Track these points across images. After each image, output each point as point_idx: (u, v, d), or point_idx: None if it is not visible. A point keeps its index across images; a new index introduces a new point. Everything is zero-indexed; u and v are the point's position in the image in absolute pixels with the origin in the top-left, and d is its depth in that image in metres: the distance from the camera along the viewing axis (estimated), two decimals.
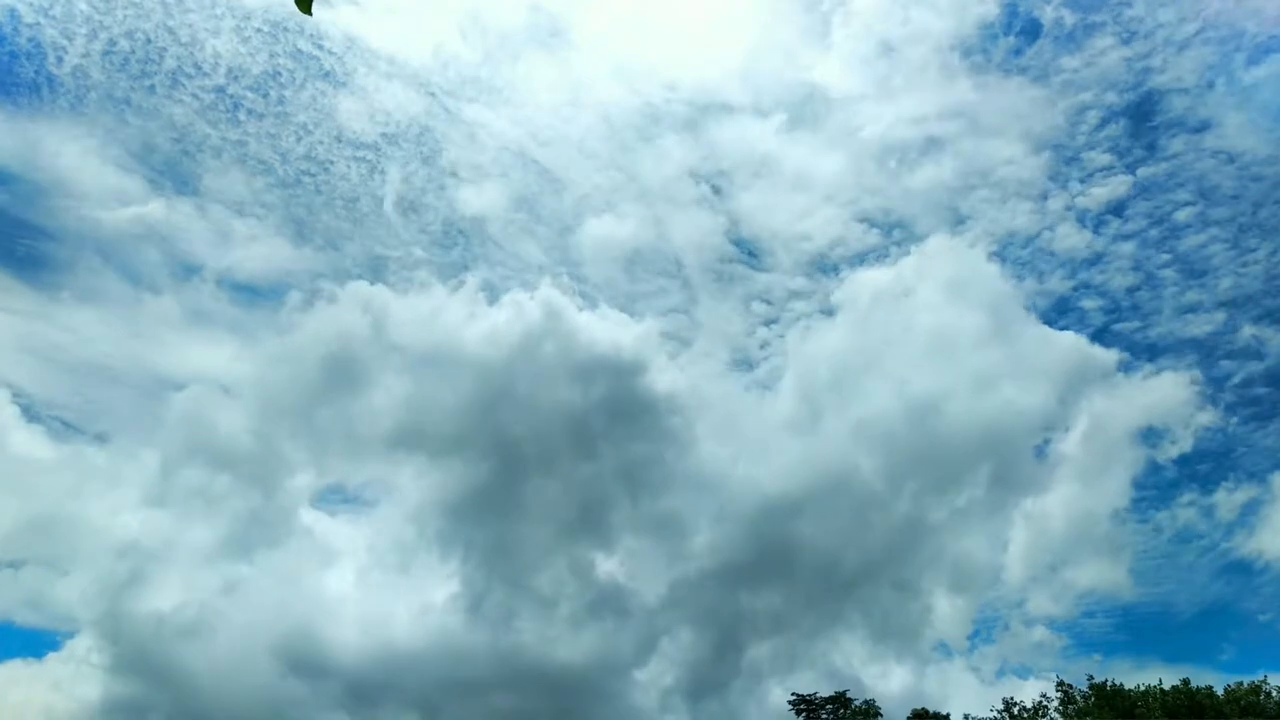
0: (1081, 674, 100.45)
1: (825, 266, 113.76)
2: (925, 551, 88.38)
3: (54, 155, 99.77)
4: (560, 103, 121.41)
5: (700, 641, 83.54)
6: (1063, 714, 50.77)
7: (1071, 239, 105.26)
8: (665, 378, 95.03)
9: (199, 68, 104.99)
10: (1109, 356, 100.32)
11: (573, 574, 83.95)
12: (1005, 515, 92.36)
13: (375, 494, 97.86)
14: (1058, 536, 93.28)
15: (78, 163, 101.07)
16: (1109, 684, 50.56)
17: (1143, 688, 50.18)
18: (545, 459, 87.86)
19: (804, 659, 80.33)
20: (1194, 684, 48.47)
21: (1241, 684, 48.12)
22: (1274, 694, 46.92)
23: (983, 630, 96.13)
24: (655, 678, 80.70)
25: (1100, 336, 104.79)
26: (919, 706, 54.42)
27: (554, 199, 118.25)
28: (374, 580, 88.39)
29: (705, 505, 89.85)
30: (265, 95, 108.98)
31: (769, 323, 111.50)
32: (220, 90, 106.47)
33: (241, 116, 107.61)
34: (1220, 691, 48.04)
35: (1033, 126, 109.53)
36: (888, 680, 75.90)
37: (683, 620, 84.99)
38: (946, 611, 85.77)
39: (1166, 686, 49.16)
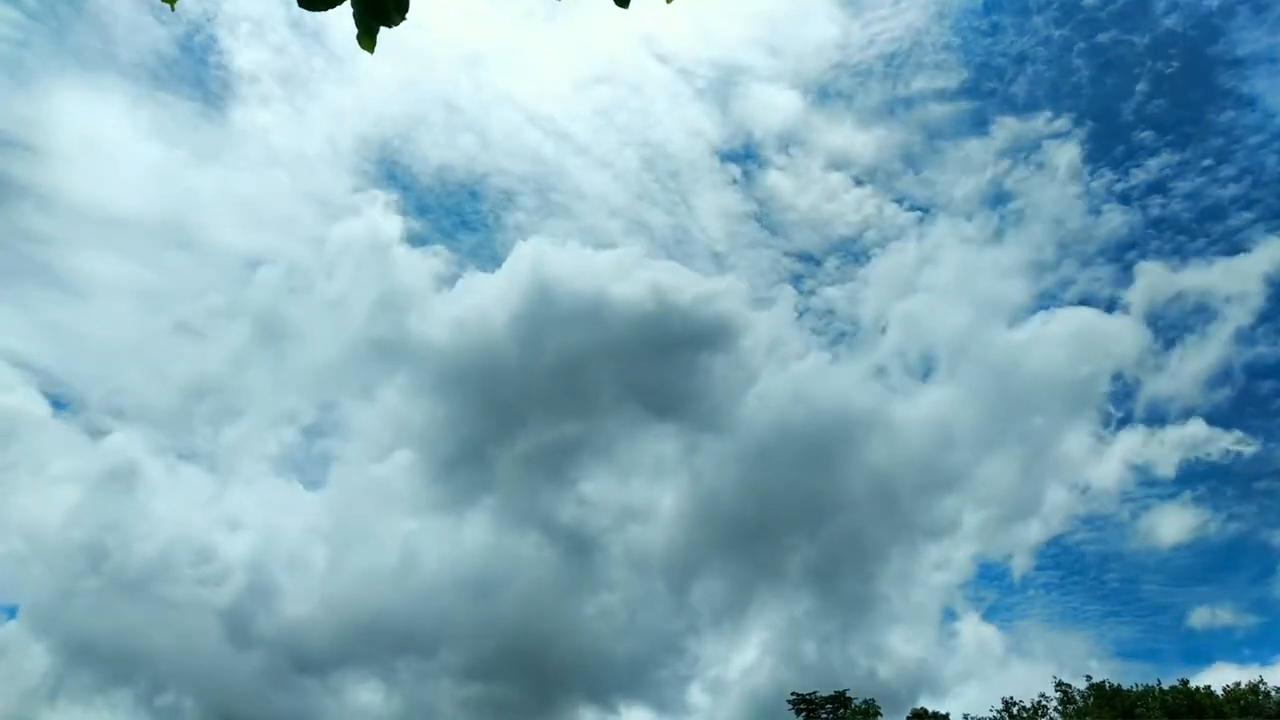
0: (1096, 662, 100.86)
1: (856, 250, 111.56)
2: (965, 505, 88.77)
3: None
4: (586, 75, 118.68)
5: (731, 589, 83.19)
6: (1062, 714, 50.83)
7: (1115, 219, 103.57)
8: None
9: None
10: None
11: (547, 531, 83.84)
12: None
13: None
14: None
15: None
16: (1108, 684, 50.74)
17: (1141, 687, 50.37)
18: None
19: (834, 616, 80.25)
20: (1193, 684, 48.66)
21: (1240, 684, 48.33)
22: (1273, 694, 47.07)
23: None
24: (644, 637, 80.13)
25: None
26: (919, 707, 54.42)
27: (584, 175, 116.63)
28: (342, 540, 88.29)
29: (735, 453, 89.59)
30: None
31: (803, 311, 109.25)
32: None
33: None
34: (1219, 691, 48.19)
35: (1077, 100, 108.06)
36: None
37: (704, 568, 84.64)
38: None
39: (1165, 686, 49.38)
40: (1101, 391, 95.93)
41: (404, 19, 4.00)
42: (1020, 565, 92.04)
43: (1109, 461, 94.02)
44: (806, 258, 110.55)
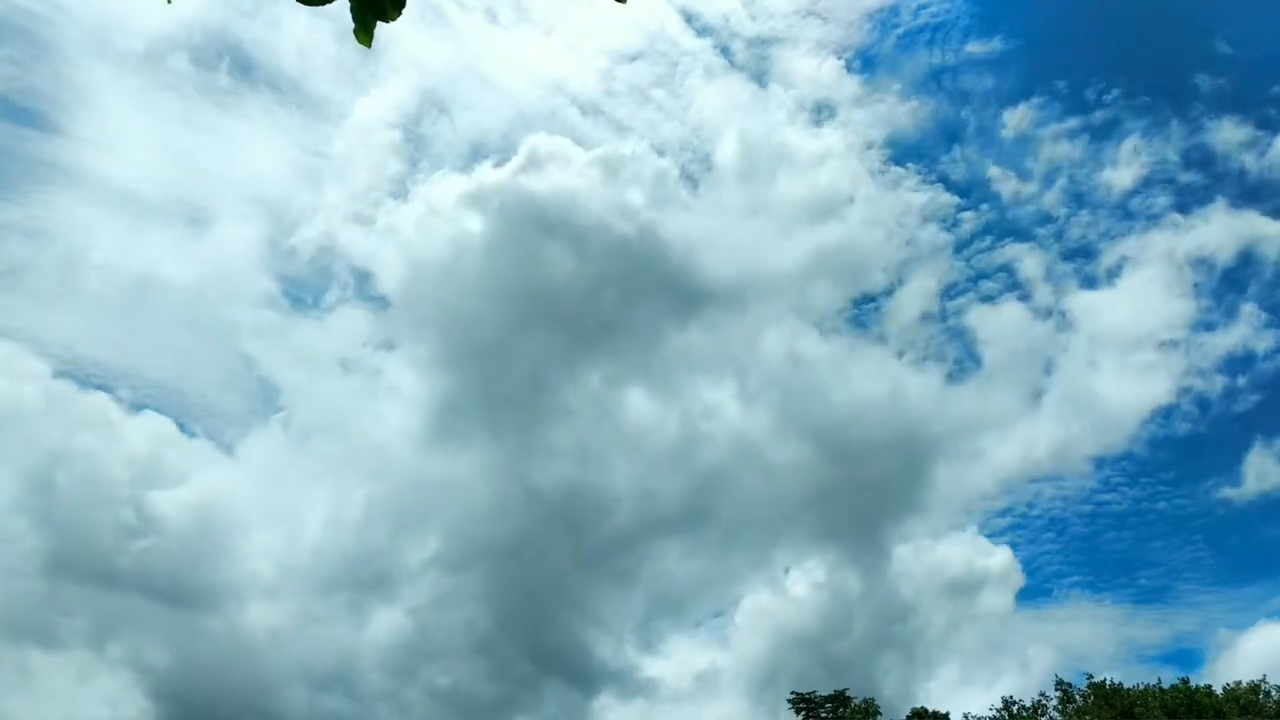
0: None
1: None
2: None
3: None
4: (622, 50, 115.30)
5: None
6: (1062, 713, 50.88)
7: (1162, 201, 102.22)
8: None
9: None
10: None
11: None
12: None
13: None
14: None
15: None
16: (1108, 683, 50.80)
17: (1141, 686, 50.42)
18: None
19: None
20: (1193, 683, 48.69)
21: (1240, 683, 48.31)
22: (1273, 693, 47.07)
23: None
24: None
25: None
26: (918, 706, 54.42)
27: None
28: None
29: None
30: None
31: None
32: None
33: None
34: (1219, 690, 48.18)
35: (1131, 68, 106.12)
36: None
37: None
38: None
39: (1165, 685, 49.44)
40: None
41: (400, 14, 4.01)
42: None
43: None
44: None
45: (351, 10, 3.95)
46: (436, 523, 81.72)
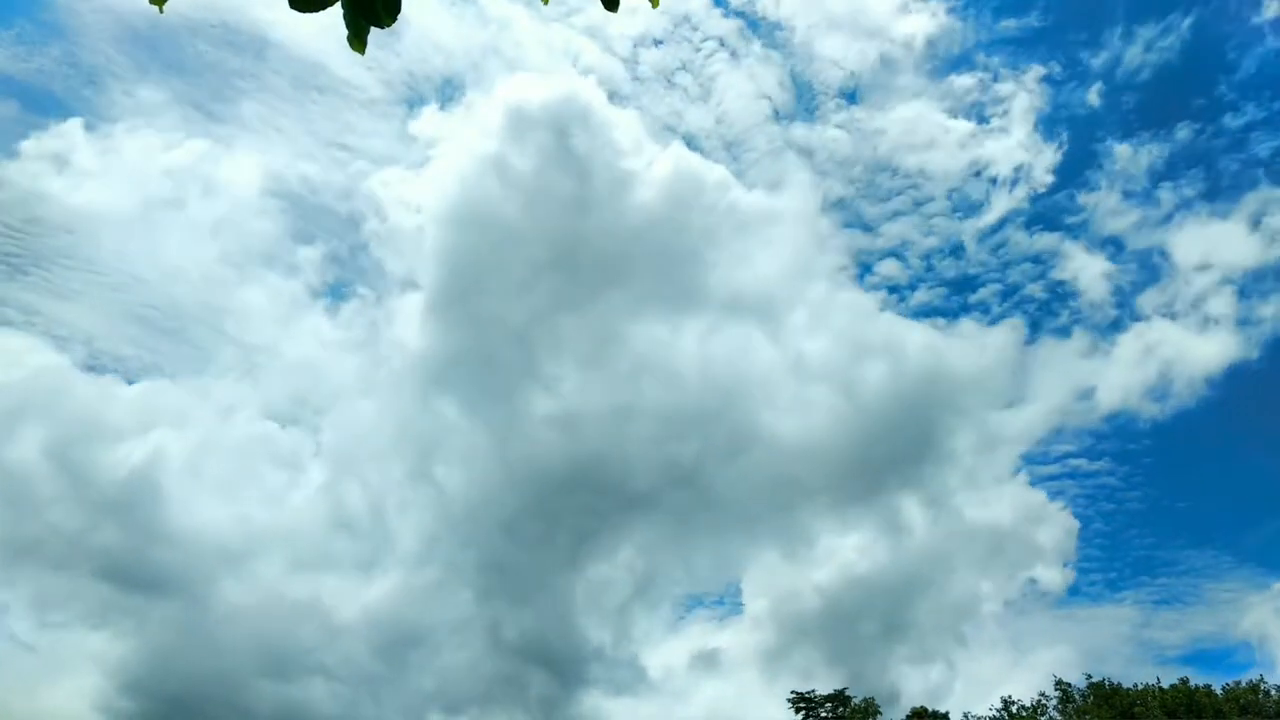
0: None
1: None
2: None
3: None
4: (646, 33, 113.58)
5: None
6: (1061, 713, 50.89)
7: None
8: None
9: None
10: None
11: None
12: None
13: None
14: None
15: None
16: (1107, 682, 50.87)
17: (1141, 686, 50.49)
18: None
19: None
20: (1193, 683, 48.75)
21: (1240, 683, 48.40)
22: (1273, 693, 47.14)
23: None
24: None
25: None
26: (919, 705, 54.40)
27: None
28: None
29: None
30: None
31: None
32: None
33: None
34: (1219, 690, 48.25)
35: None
36: None
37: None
38: None
39: (1165, 685, 49.47)
40: None
41: (394, 21, 4.02)
42: None
43: None
44: (866, 228, 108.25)
45: (345, 16, 3.96)
46: (422, 501, 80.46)
